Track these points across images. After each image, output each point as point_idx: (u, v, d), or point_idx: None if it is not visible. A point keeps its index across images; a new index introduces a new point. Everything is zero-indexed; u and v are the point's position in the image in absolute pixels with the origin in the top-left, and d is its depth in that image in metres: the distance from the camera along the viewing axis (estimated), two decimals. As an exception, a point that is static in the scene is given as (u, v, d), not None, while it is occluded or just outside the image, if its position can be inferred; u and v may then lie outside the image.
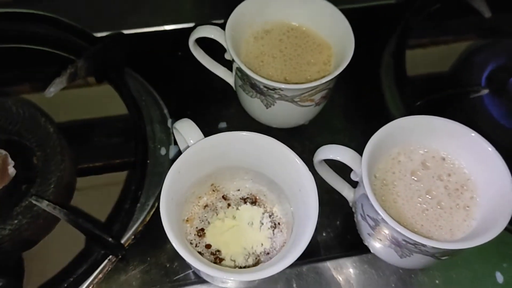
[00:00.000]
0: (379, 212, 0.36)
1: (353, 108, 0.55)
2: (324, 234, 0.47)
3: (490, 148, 0.39)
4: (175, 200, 0.38)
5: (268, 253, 0.41)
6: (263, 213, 0.44)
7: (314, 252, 0.46)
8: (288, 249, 0.36)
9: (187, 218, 0.43)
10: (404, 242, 0.38)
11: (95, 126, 0.54)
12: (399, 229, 0.36)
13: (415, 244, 0.37)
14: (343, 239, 0.47)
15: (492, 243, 0.47)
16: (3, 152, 0.46)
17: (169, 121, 0.51)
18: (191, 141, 0.39)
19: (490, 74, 0.58)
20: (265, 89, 0.43)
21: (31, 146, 0.49)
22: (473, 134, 0.40)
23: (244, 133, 0.39)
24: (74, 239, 0.45)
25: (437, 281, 0.45)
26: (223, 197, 0.44)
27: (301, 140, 0.51)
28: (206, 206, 0.44)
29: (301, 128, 0.51)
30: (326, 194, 0.46)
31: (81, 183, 0.50)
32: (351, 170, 0.41)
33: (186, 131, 0.39)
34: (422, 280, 0.45)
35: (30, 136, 0.49)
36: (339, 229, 0.48)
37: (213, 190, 0.44)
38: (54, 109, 0.52)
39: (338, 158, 0.40)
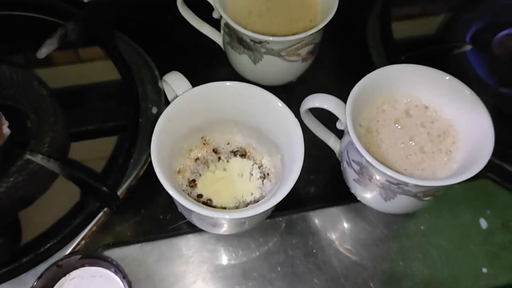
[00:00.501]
0: (363, 154, 0.38)
1: (340, 67, 0.57)
2: (312, 186, 0.49)
3: (467, 91, 0.41)
4: (166, 150, 0.39)
5: (257, 201, 0.43)
6: (253, 165, 0.45)
7: (303, 203, 0.47)
8: (277, 191, 0.38)
9: (179, 169, 0.44)
10: (387, 183, 0.39)
11: (87, 91, 0.55)
12: (381, 169, 0.37)
13: (398, 184, 0.38)
14: (331, 190, 0.49)
15: (476, 191, 0.49)
16: (-2, 112, 0.47)
17: (160, 82, 0.52)
18: (180, 92, 0.40)
19: (474, 34, 0.60)
20: (252, 43, 0.44)
21: (24, 110, 0.50)
22: (448, 77, 0.42)
23: (230, 83, 0.41)
24: (69, 196, 0.47)
25: (422, 227, 0.46)
26: (213, 150, 0.46)
27: (289, 97, 0.51)
28: (197, 159, 0.45)
29: (289, 86, 0.53)
30: (314, 148, 0.47)
31: (74, 145, 0.51)
32: (335, 123, 0.43)
33: (174, 82, 0.41)
34: (408, 227, 0.46)
35: (24, 99, 0.50)
36: (327, 181, 0.49)
37: (204, 144, 0.45)
38: (47, 76, 0.53)
39: (324, 106, 0.41)
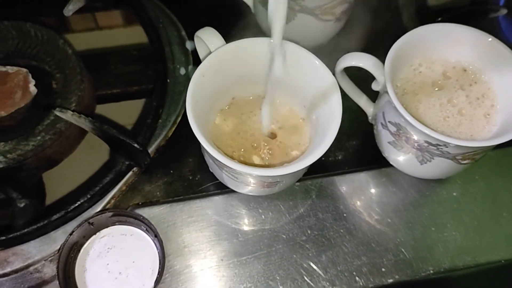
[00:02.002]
0: (402, 113, 0.37)
1: (371, 32, 0.55)
2: (343, 151, 0.48)
3: (508, 52, 0.40)
4: (200, 107, 0.39)
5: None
6: (284, 127, 0.44)
7: (334, 167, 0.47)
8: (313, 148, 0.37)
9: (209, 130, 0.43)
10: (426, 145, 0.38)
11: (113, 55, 0.54)
12: (421, 128, 0.36)
13: (437, 145, 0.37)
14: (362, 155, 0.48)
15: (510, 158, 0.48)
16: (24, 70, 0.46)
17: (187, 42, 0.51)
18: (213, 48, 0.39)
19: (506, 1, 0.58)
20: None
21: (49, 70, 0.49)
22: (490, 39, 0.40)
23: (265, 39, 0.39)
24: (96, 156, 0.46)
25: (454, 194, 0.46)
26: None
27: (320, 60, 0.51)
28: (227, 120, 0.44)
29: (320, 49, 0.51)
30: (345, 112, 0.46)
31: (100, 107, 0.50)
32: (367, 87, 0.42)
33: (208, 37, 0.39)
34: (440, 193, 0.46)
35: (49, 59, 0.49)
36: (358, 146, 0.48)
37: (234, 105, 0.45)
38: (72, 41, 0.52)
39: (360, 64, 0.40)
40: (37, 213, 0.43)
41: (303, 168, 0.36)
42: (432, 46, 0.42)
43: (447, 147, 0.37)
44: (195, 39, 0.41)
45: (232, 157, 0.42)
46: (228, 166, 0.35)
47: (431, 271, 0.42)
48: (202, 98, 0.39)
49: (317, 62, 0.39)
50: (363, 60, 0.40)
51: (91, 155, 0.47)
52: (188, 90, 0.37)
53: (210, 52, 0.39)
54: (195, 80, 0.37)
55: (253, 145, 0.43)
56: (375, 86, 0.42)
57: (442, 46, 0.42)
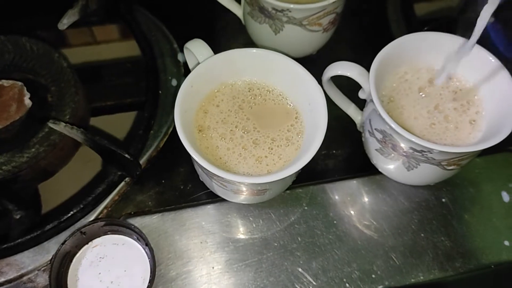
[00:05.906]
0: (387, 120, 0.37)
1: (359, 41, 0.56)
2: (332, 159, 0.48)
3: (493, 60, 0.40)
4: (188, 117, 0.39)
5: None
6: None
7: (324, 175, 0.47)
8: (299, 157, 0.38)
9: (200, 139, 0.44)
10: (411, 151, 0.39)
11: (106, 68, 0.55)
12: (405, 135, 0.37)
13: (422, 151, 0.38)
14: (352, 162, 0.48)
15: (498, 164, 0.48)
16: (19, 83, 0.47)
17: (179, 54, 0.52)
18: (202, 58, 0.40)
19: (497, 10, 0.58)
20: (274, 11, 0.44)
21: (45, 83, 0.50)
22: (475, 46, 0.41)
23: (252, 49, 0.40)
24: (89, 167, 0.47)
25: (443, 200, 0.46)
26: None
27: (309, 69, 0.51)
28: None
29: (308, 59, 0.52)
30: (334, 121, 0.47)
31: (94, 120, 0.51)
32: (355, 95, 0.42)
33: (196, 49, 0.40)
34: (429, 199, 0.46)
35: (44, 72, 0.50)
36: (347, 154, 0.49)
37: (224, 114, 0.45)
38: (66, 52, 0.53)
39: (347, 73, 0.41)
40: (33, 224, 0.44)
41: (290, 175, 0.36)
42: (417, 54, 0.43)
43: (431, 153, 0.37)
44: (185, 50, 0.42)
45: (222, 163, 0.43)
46: (217, 175, 0.36)
47: (421, 277, 0.43)
48: (191, 108, 0.39)
49: (302, 71, 0.40)
50: (349, 69, 0.41)
51: (85, 166, 0.48)
52: (177, 100, 0.38)
53: (198, 63, 0.40)
54: (184, 90, 0.38)
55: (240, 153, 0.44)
56: (361, 95, 0.42)
57: (427, 54, 0.43)
